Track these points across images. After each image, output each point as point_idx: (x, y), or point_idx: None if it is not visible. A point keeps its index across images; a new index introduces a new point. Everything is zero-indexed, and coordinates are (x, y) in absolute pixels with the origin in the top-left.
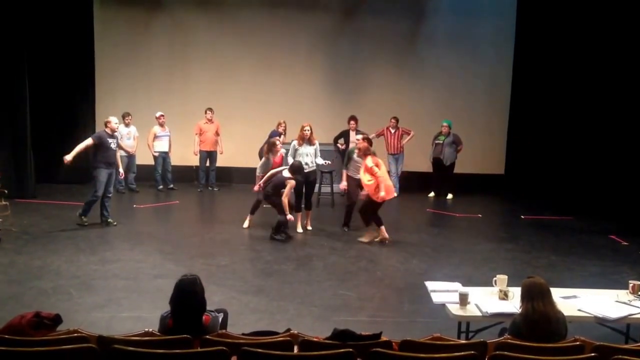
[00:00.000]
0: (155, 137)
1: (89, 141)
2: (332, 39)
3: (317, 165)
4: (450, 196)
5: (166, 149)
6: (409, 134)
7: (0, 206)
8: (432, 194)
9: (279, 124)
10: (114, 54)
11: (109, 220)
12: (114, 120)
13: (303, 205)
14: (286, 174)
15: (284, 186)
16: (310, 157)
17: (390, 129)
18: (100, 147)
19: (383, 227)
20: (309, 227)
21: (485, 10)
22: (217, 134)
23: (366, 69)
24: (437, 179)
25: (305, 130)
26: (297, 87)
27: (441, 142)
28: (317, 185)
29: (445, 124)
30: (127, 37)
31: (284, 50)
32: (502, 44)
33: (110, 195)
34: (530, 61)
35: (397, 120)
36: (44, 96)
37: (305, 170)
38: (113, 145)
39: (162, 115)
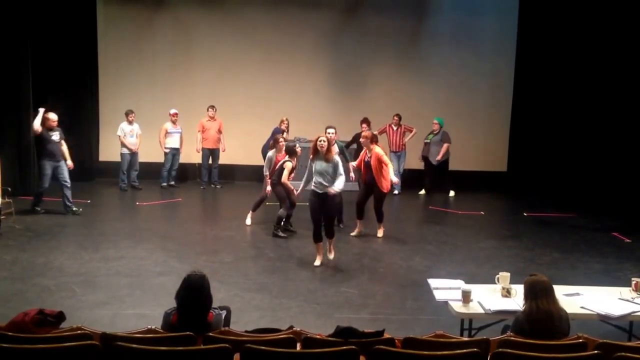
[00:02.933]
0: (167, 133)
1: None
2: (335, 36)
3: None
4: (452, 193)
5: (177, 146)
6: (411, 132)
7: (4, 203)
8: (422, 192)
9: (282, 121)
10: (117, 52)
11: (74, 209)
12: (52, 118)
13: (324, 234)
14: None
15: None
16: (325, 177)
17: (393, 126)
18: (43, 140)
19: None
20: (331, 256)
21: (488, 8)
22: (219, 131)
23: (369, 67)
24: (427, 177)
25: (320, 142)
26: (299, 84)
27: (429, 140)
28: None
29: (435, 121)
30: (131, 34)
31: (286, 47)
32: (504, 41)
33: (68, 184)
34: (533, 58)
35: (400, 118)
36: (47, 93)
37: (319, 191)
38: (55, 138)
39: (176, 114)
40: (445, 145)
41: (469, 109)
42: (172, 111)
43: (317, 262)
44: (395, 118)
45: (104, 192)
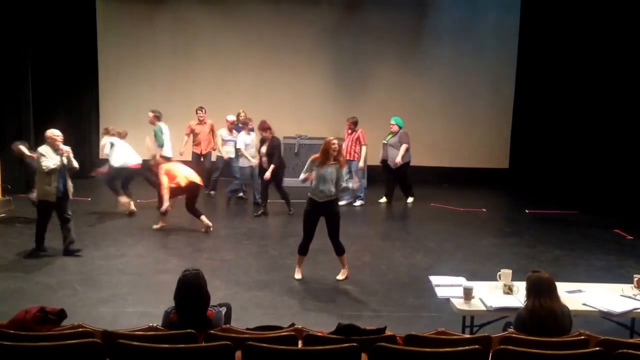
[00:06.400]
0: (222, 141)
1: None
2: (336, 34)
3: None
4: (410, 200)
5: (232, 155)
6: (361, 145)
7: (4, 201)
8: (383, 200)
9: (238, 115)
10: (117, 50)
11: None
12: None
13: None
14: None
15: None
16: (328, 184)
17: (348, 130)
18: None
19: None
20: (341, 277)
21: (490, 4)
22: (211, 133)
23: (370, 64)
24: (387, 183)
25: (333, 145)
26: (300, 82)
27: (387, 142)
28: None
29: (393, 122)
30: (130, 33)
31: (287, 45)
32: (506, 38)
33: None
34: (535, 55)
35: (355, 123)
36: (47, 92)
37: (320, 200)
38: None
39: (234, 122)
40: (403, 147)
41: (471, 105)
42: (230, 118)
43: (298, 276)
44: (348, 122)
45: (105, 190)
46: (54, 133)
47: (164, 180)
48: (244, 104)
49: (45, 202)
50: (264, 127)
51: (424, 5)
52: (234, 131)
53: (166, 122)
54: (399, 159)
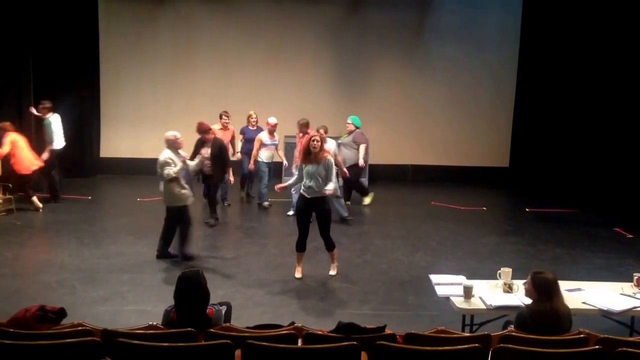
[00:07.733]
0: (262, 145)
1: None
2: (338, 32)
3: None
4: (367, 200)
5: (269, 160)
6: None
7: (5, 200)
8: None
9: (249, 117)
10: (119, 47)
11: None
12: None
13: (325, 245)
14: None
15: None
16: (316, 181)
17: (299, 134)
18: None
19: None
20: (332, 272)
21: (491, 3)
22: (231, 141)
23: (372, 63)
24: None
25: (312, 142)
26: (302, 80)
27: (341, 141)
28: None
29: (349, 121)
30: (132, 30)
31: (289, 44)
32: (508, 36)
33: None
34: (536, 54)
35: (305, 125)
36: (48, 90)
37: (308, 196)
38: None
39: (276, 124)
40: (363, 147)
41: (472, 104)
42: (272, 121)
43: (298, 275)
44: (298, 124)
45: (105, 188)
46: (176, 136)
47: (6, 148)
48: (245, 103)
49: (183, 208)
50: (204, 128)
51: (425, 4)
52: (274, 134)
53: (167, 120)
54: (361, 162)
